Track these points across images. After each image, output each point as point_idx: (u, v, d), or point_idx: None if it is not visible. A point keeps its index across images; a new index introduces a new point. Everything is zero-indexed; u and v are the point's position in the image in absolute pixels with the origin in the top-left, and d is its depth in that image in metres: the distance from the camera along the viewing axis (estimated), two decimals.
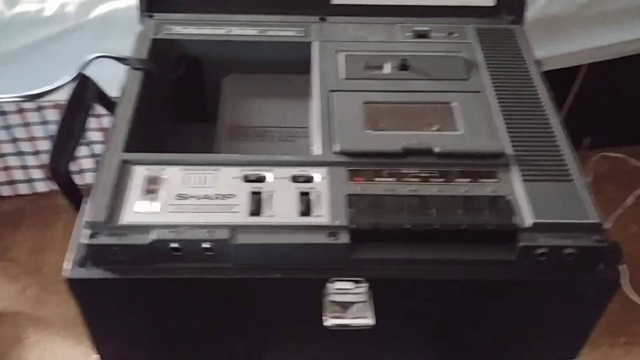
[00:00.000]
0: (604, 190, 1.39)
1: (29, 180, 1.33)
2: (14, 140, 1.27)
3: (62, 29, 1.05)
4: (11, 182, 1.36)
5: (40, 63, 1.07)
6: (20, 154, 1.28)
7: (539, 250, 0.54)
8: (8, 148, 1.28)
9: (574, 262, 0.54)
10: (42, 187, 1.34)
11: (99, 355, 0.61)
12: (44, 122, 1.23)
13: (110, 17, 1.04)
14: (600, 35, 1.11)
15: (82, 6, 1.02)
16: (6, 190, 1.36)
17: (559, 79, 1.25)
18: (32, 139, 1.25)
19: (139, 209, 0.55)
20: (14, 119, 1.24)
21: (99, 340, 0.59)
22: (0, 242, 1.33)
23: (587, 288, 0.57)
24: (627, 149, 1.44)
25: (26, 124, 1.25)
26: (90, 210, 0.54)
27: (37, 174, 1.32)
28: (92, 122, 1.25)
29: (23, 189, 1.35)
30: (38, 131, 1.24)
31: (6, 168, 1.33)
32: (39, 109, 1.21)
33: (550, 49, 1.10)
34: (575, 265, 0.55)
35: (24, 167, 1.31)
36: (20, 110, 1.24)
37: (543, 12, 1.05)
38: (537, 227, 0.54)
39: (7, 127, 1.25)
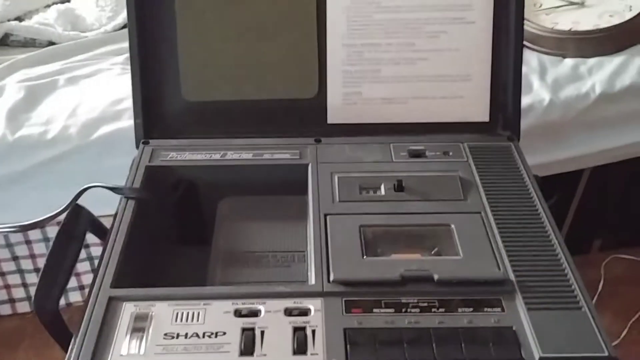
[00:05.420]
0: (619, 293, 1.34)
1: (29, 298, 1.31)
2: (15, 258, 1.26)
3: (67, 150, 1.05)
4: (11, 301, 1.34)
5: (44, 181, 1.07)
6: (20, 271, 1.27)
7: None
8: (9, 266, 1.27)
9: None
10: None
11: None
12: (46, 239, 1.22)
13: (114, 135, 1.05)
14: (601, 139, 1.11)
15: (84, 128, 1.03)
16: (6, 309, 1.34)
17: (564, 182, 1.25)
18: (32, 256, 1.24)
19: (125, 352, 0.52)
20: (15, 236, 1.24)
21: None
22: None
23: None
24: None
25: (27, 242, 1.24)
26: (74, 355, 0.51)
27: None
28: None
29: (23, 307, 1.32)
30: (39, 248, 1.23)
31: (6, 286, 1.31)
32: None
33: (551, 155, 1.10)
34: None
35: (24, 285, 1.29)
36: None
37: (543, 119, 1.06)
38: None
39: (9, 245, 1.25)
